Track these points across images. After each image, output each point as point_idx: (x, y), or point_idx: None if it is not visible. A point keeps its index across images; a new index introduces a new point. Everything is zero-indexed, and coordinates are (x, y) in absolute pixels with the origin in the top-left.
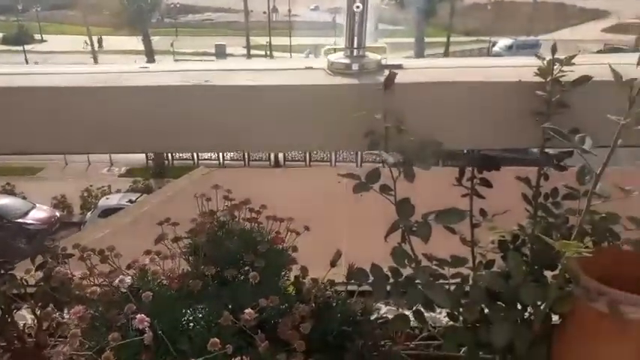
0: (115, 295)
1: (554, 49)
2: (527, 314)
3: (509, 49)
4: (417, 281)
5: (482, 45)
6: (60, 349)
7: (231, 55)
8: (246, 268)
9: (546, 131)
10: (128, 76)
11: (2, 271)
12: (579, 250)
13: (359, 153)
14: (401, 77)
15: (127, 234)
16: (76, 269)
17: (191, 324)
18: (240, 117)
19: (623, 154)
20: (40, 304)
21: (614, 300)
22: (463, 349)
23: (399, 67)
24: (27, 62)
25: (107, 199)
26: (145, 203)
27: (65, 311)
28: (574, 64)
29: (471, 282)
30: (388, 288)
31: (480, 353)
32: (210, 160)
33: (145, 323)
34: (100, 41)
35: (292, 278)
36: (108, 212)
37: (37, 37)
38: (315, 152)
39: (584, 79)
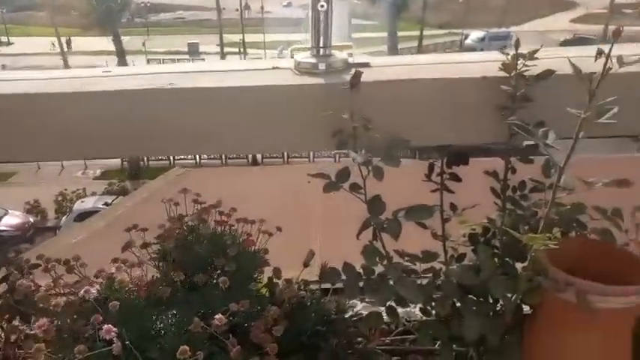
0: (81, 305)
1: (517, 44)
2: (499, 306)
3: (482, 41)
4: (388, 278)
5: (455, 37)
6: None
7: (205, 53)
8: (217, 272)
9: (511, 126)
10: (91, 81)
11: None
12: (546, 242)
13: None
14: (368, 75)
15: (102, 238)
16: (43, 279)
17: (161, 331)
18: (206, 119)
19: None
20: (6, 317)
21: (581, 290)
22: (438, 343)
23: (366, 65)
24: None
25: (82, 202)
26: (120, 206)
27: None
28: (537, 58)
29: (442, 276)
30: (361, 285)
31: (455, 346)
32: (187, 159)
33: (113, 333)
34: (68, 42)
35: (266, 280)
36: (83, 216)
37: (4, 39)
38: None
39: (548, 73)
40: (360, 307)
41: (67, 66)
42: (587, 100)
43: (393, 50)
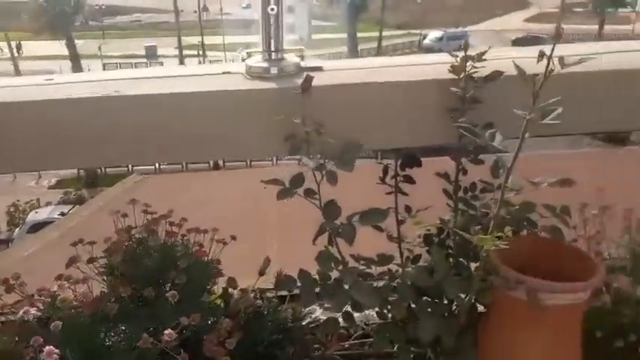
0: (21, 326)
1: (465, 46)
2: (454, 307)
3: (440, 41)
4: (344, 283)
5: (414, 38)
6: None
7: (163, 56)
8: (169, 285)
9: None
10: (30, 90)
11: None
12: (495, 243)
13: None
14: (320, 79)
15: (55, 250)
16: None
17: (110, 349)
18: (155, 127)
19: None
20: None
21: (531, 288)
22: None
23: (319, 69)
24: None
25: (36, 213)
26: (76, 216)
27: None
28: (486, 59)
29: (398, 279)
30: (318, 291)
31: (413, 348)
32: (147, 165)
33: (55, 355)
34: (19, 47)
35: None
36: (37, 227)
37: None
38: None
39: (496, 75)
40: (319, 312)
41: (17, 71)
42: (531, 102)
43: (353, 51)
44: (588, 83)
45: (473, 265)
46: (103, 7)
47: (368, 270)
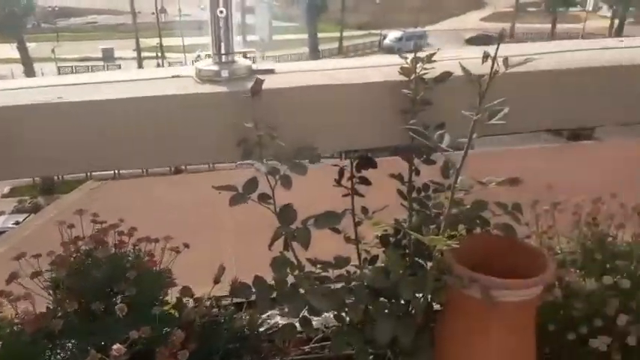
0: None
1: (416, 48)
2: (410, 307)
3: (400, 41)
4: (300, 288)
5: (374, 38)
6: None
7: (121, 58)
8: (119, 297)
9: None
10: None
11: None
12: (447, 243)
13: None
14: (273, 82)
15: (3, 263)
16: None
17: None
18: (100, 134)
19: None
20: None
21: (484, 286)
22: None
23: (271, 72)
24: None
25: None
26: (30, 224)
27: None
28: (435, 60)
29: (354, 281)
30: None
31: (373, 349)
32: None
33: None
34: None
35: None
36: None
37: None
38: None
39: (445, 76)
40: (278, 318)
41: None
42: (477, 102)
43: (314, 52)
44: (534, 83)
45: (430, 265)
46: (56, 8)
47: (325, 273)
